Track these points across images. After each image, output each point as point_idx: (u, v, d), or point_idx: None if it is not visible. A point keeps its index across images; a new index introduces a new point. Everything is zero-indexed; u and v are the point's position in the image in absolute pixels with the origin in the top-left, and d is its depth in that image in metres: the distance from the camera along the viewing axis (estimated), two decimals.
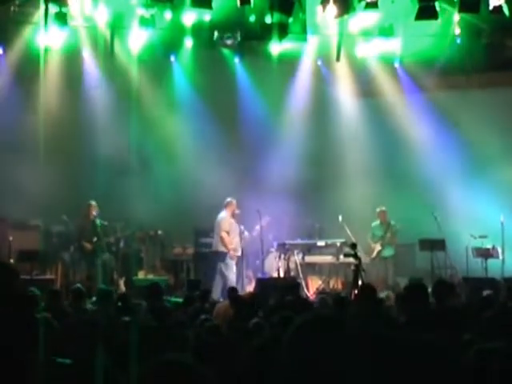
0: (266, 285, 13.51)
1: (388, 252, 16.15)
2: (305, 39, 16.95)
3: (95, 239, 15.39)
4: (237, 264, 15.39)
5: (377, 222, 16.32)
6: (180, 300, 11.46)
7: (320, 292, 14.84)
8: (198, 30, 16.70)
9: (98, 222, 15.42)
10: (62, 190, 15.89)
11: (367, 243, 16.08)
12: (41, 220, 16.25)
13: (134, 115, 17.31)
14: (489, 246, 15.39)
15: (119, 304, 10.03)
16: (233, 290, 11.24)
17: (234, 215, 15.59)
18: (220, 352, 5.58)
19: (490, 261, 15.28)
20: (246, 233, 15.78)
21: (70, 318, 7.85)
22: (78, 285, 11.38)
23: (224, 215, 15.58)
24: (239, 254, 15.46)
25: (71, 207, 15.93)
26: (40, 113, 16.28)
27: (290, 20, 15.92)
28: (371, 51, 17.14)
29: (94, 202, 15.51)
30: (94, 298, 11.05)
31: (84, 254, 15.49)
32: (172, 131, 17.47)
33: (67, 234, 15.96)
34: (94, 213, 15.43)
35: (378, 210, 16.29)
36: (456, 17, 16.00)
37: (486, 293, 10.27)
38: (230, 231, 15.42)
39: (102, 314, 9.10)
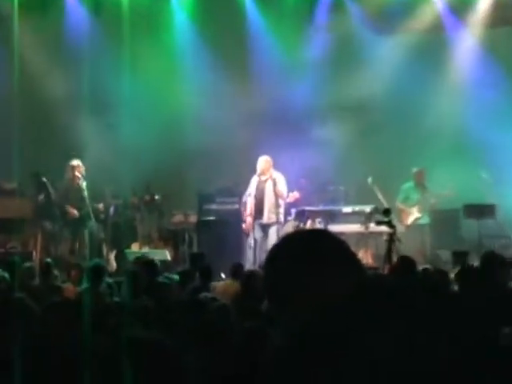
0: None
1: (425, 219, 15.06)
2: None
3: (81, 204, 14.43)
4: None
5: (410, 184, 15.11)
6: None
7: None
8: None
9: (83, 184, 14.35)
10: (41, 147, 15.28)
11: (396, 207, 14.84)
12: (17, 183, 15.11)
13: (126, 61, 16.01)
14: None
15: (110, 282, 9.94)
16: (237, 266, 10.35)
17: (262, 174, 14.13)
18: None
19: None
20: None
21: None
22: (48, 259, 11.08)
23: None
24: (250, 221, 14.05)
25: (52, 167, 14.90)
26: (15, 58, 15.35)
27: None
28: None
29: (78, 161, 14.48)
30: None
31: (68, 222, 14.53)
32: (173, 80, 16.45)
33: (48, 200, 14.75)
34: (79, 174, 14.37)
35: (414, 169, 15.05)
36: None
37: None
38: (251, 193, 14.16)
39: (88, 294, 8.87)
